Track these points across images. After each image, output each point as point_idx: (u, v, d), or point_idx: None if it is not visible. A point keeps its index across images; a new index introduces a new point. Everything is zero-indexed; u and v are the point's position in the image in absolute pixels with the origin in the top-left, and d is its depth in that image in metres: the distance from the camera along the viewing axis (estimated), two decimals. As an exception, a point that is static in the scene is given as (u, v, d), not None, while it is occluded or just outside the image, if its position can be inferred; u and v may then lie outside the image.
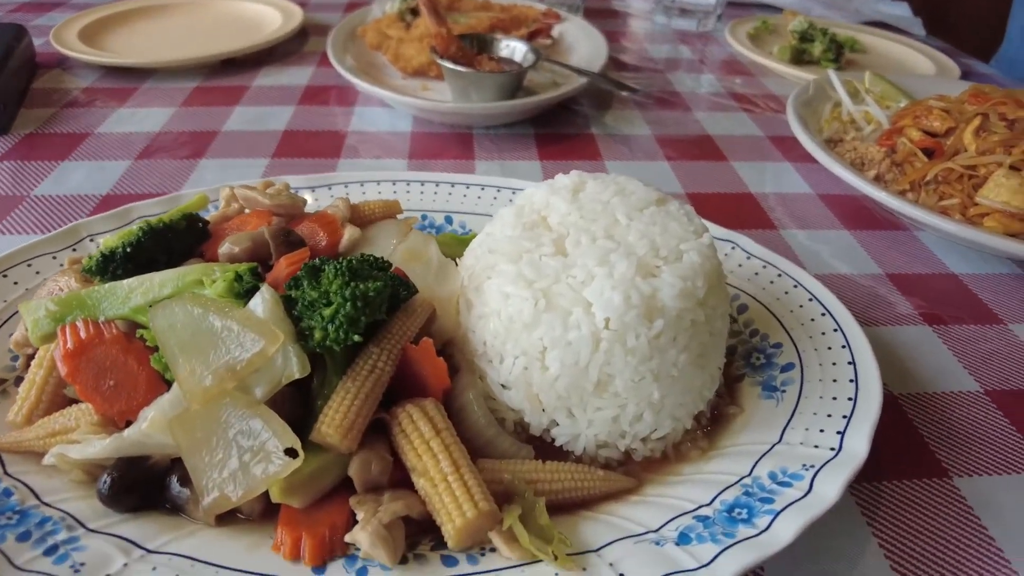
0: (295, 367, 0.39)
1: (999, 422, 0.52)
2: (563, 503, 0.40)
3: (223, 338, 0.38)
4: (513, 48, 0.92)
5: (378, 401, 0.40)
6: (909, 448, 0.49)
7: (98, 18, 1.13)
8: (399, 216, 0.55)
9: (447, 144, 0.85)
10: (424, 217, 0.64)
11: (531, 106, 0.86)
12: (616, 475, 0.42)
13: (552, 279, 0.41)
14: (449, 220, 0.64)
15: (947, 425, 0.51)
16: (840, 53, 1.11)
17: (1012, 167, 0.66)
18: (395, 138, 0.86)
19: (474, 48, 0.91)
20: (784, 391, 0.47)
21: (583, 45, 1.05)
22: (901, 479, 0.47)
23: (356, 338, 0.38)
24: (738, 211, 0.75)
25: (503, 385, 0.43)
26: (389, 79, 0.96)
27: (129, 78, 1.01)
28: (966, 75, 1.19)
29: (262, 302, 0.40)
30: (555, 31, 1.10)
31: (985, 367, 0.57)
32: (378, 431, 0.40)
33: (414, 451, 0.39)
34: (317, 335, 0.39)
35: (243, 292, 0.41)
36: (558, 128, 0.90)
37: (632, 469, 0.44)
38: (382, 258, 0.43)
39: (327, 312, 0.38)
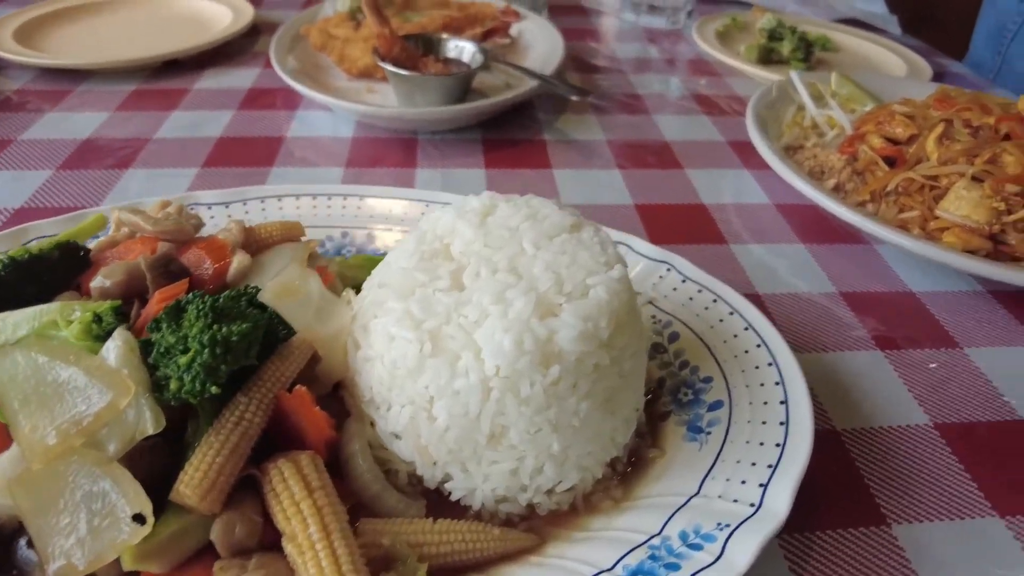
0: (149, 422, 0.35)
1: (946, 459, 0.48)
2: (454, 566, 0.37)
3: (69, 390, 0.35)
4: (461, 49, 0.88)
5: (245, 456, 0.36)
6: (848, 491, 0.46)
7: (37, 15, 1.08)
8: (303, 239, 0.51)
9: (389, 150, 0.81)
10: (345, 235, 0.60)
11: (477, 111, 0.82)
12: (515, 533, 0.38)
13: (443, 319, 0.38)
14: (373, 238, 0.60)
15: (891, 464, 0.48)
16: (810, 52, 1.07)
17: (974, 178, 0.62)
18: (335, 144, 0.82)
19: (420, 49, 0.87)
20: (710, 432, 0.44)
21: (541, 45, 1.01)
22: (835, 528, 0.43)
23: (214, 389, 0.34)
24: (689, 224, 0.71)
25: (393, 434, 0.39)
26: (334, 81, 0.92)
27: (65, 80, 0.96)
28: (939, 76, 1.15)
29: (114, 348, 0.36)
30: (513, 30, 1.05)
31: (936, 397, 0.53)
32: (250, 488, 0.37)
33: (283, 513, 0.35)
34: (172, 385, 0.35)
35: (103, 335, 0.37)
36: (508, 133, 0.86)
37: (536, 524, 0.40)
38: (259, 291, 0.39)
39: (183, 360, 0.34)
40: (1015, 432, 0.51)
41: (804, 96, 0.79)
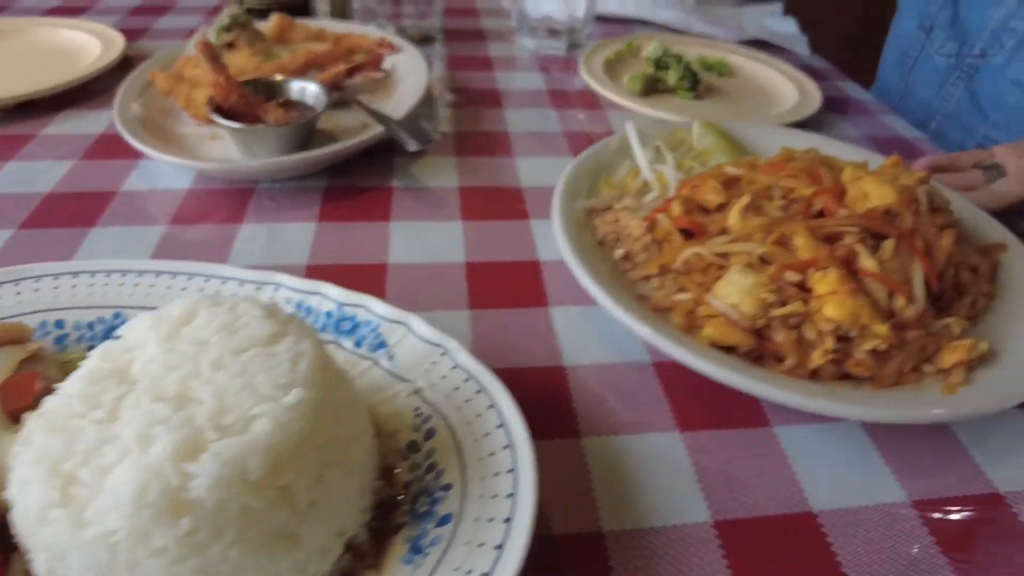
0: None
1: (717, 567, 0.45)
2: None
3: None
4: (304, 90, 0.84)
5: None
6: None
7: None
8: (28, 344, 0.47)
9: (220, 204, 0.77)
10: (117, 315, 0.55)
11: (314, 160, 0.78)
12: None
13: (81, 460, 0.34)
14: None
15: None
16: (696, 81, 1.03)
17: (762, 259, 0.56)
18: (167, 198, 0.78)
19: (262, 94, 0.83)
20: (427, 555, 0.40)
21: (412, 79, 0.97)
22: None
23: None
24: (516, 284, 0.67)
25: (40, 580, 0.35)
26: (181, 127, 0.88)
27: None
28: (840, 102, 1.12)
29: None
30: (387, 63, 1.01)
31: (725, 490, 0.50)
32: None
33: None
34: None
35: None
36: (356, 179, 0.82)
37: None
38: None
39: None
40: (794, 532, 0.47)
41: (637, 150, 0.74)
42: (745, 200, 0.61)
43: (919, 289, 0.56)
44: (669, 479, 0.50)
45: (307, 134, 0.81)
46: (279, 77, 0.85)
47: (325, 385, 0.40)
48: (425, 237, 0.73)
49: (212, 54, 0.78)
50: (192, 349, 0.38)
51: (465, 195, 0.81)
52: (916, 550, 0.47)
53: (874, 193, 0.61)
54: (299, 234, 0.72)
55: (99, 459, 0.34)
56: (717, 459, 0.52)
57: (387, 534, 0.42)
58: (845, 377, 0.54)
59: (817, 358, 0.52)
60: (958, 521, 0.49)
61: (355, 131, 0.85)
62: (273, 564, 0.36)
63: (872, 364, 0.53)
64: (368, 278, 0.66)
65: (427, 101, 0.99)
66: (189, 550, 0.33)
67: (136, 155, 0.86)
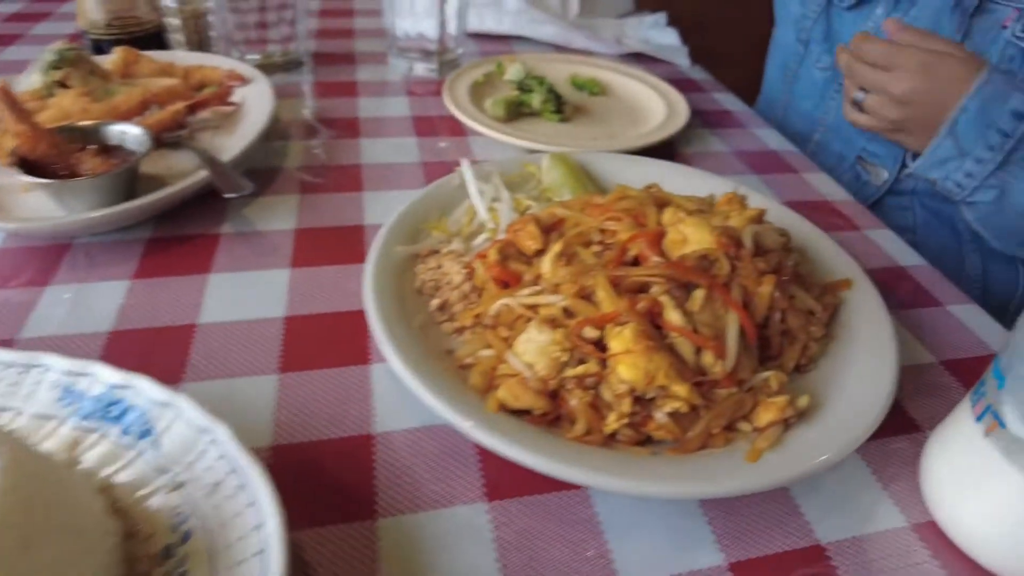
0: None
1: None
2: None
3: None
4: (124, 134, 0.78)
5: None
6: None
7: None
8: None
9: (29, 263, 0.71)
10: None
11: (128, 213, 0.72)
12: None
13: None
14: None
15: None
16: (561, 104, 1.01)
17: (567, 312, 0.54)
18: (-29, 258, 0.72)
19: (77, 140, 0.77)
20: None
21: (256, 113, 0.92)
22: None
23: None
24: (338, 340, 0.63)
25: None
26: (-3, 176, 0.81)
27: None
28: (710, 116, 1.11)
29: None
30: (237, 95, 0.96)
31: (527, 567, 0.47)
32: None
33: None
34: None
35: None
36: (184, 227, 0.77)
37: None
38: None
39: None
40: None
41: (471, 188, 0.72)
42: (558, 247, 0.59)
43: (732, 343, 0.54)
44: (466, 560, 0.47)
45: (129, 182, 0.75)
46: (93, 122, 0.79)
47: (24, 505, 0.35)
48: (245, 290, 0.68)
49: (11, 100, 0.72)
50: None
51: (301, 238, 0.76)
52: (709, 624, 0.45)
53: (692, 237, 0.59)
54: (109, 295, 0.67)
55: None
56: (522, 531, 0.49)
57: (117, 662, 0.38)
58: (647, 441, 0.52)
59: (612, 422, 0.50)
60: (763, 584, 0.47)
61: (188, 174, 0.80)
62: None
63: (674, 427, 0.51)
64: (171, 343, 0.62)
65: (275, 134, 0.95)
66: None
67: (-54, 208, 0.80)
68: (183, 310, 0.65)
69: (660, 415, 0.50)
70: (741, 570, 0.48)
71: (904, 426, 0.60)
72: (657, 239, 0.59)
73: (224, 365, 0.60)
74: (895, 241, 0.85)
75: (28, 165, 0.73)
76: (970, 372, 0.66)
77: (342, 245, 0.75)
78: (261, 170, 0.88)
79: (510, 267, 0.61)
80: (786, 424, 0.53)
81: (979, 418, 0.48)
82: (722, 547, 0.50)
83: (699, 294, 0.55)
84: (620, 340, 0.51)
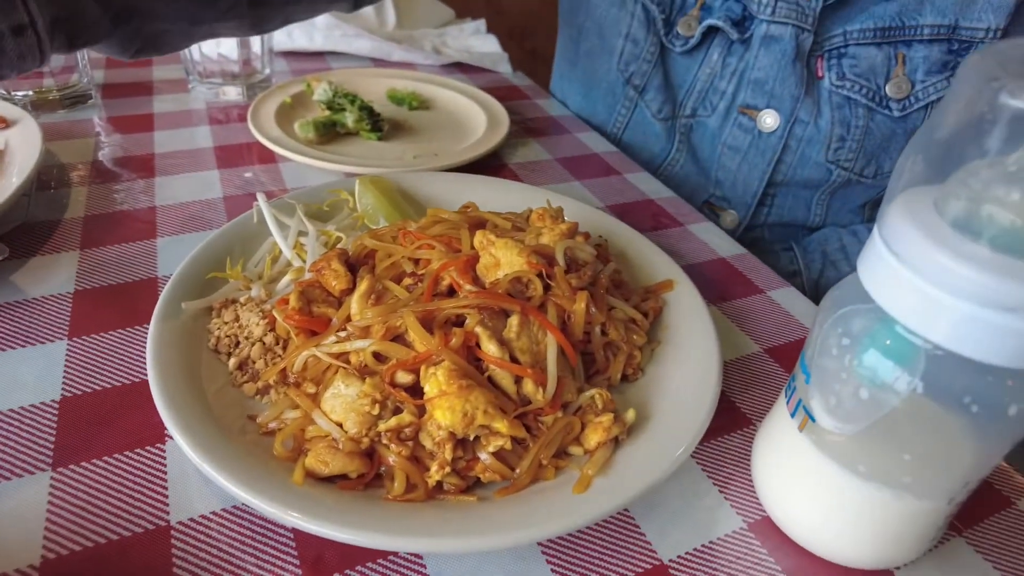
0: None
1: None
2: None
3: None
4: None
5: None
6: None
7: None
8: None
9: None
10: None
11: None
12: None
13: None
14: None
15: None
16: (377, 121, 0.96)
17: (377, 358, 0.49)
18: None
19: None
20: None
21: (20, 158, 0.80)
22: None
23: None
24: (122, 419, 0.55)
25: None
26: None
27: None
28: (534, 123, 1.10)
29: None
30: (0, 140, 0.84)
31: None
32: None
33: None
34: None
35: None
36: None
37: None
38: None
39: None
40: None
41: (270, 222, 0.65)
42: (364, 285, 0.54)
43: (552, 366, 0.51)
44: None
45: None
46: None
47: None
48: (7, 375, 0.58)
49: None
50: None
51: (81, 300, 0.66)
52: None
53: (504, 260, 0.56)
54: None
55: None
56: None
57: None
58: (479, 483, 0.48)
59: (435, 473, 0.46)
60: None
61: (-67, 239, 0.67)
62: None
63: (501, 466, 0.47)
64: (-95, 454, 0.51)
65: (56, 181, 0.83)
66: None
67: None
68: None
69: (484, 456, 0.47)
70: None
71: (736, 421, 0.60)
72: (470, 265, 0.56)
73: (-22, 470, 0.50)
74: (718, 234, 0.87)
75: None
76: (791, 357, 0.68)
77: (130, 304, 0.66)
78: (35, 225, 0.77)
79: (316, 312, 0.55)
80: (616, 442, 0.51)
81: (793, 414, 0.48)
82: (565, 583, 0.47)
83: (514, 320, 0.52)
84: (434, 382, 0.47)
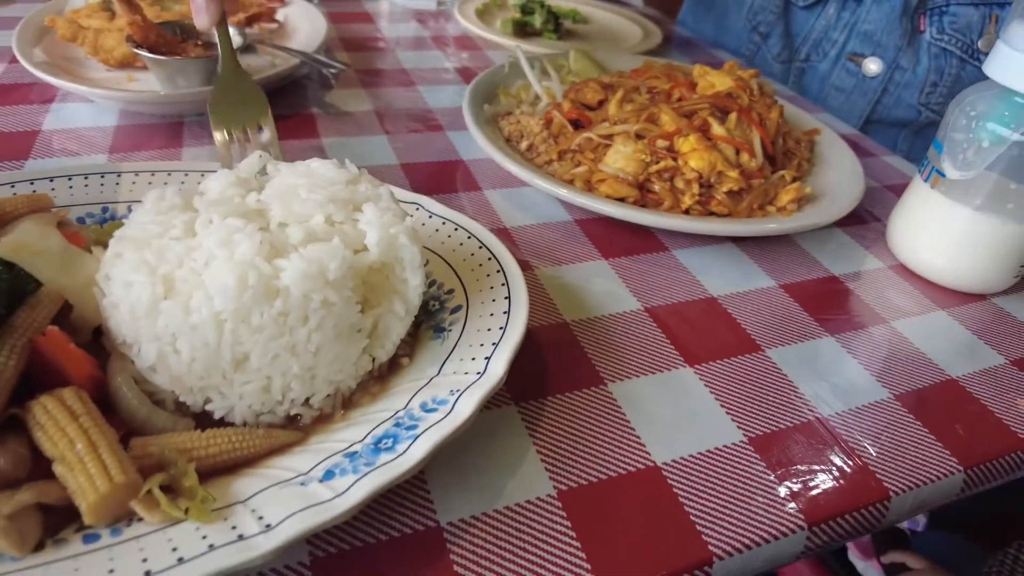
0: None
1: (652, 332, 0.60)
2: (224, 465, 0.42)
3: None
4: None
5: (4, 397, 0.38)
6: (572, 364, 0.56)
7: None
8: (53, 210, 0.53)
9: (154, 135, 0.82)
10: (105, 209, 0.61)
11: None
12: (280, 431, 0.44)
13: (175, 264, 0.42)
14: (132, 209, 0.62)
15: (609, 341, 0.59)
16: (559, 24, 1.20)
17: (638, 135, 0.73)
18: (98, 133, 0.81)
19: (178, 35, 0.88)
20: (450, 330, 0.52)
21: (306, 27, 1.05)
22: (563, 392, 0.54)
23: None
24: (447, 177, 0.80)
25: (150, 368, 0.43)
26: (90, 72, 0.90)
27: None
28: (669, 40, 1.34)
29: None
30: (280, 14, 1.08)
31: (645, 289, 0.66)
32: (15, 429, 0.39)
33: (50, 440, 0.38)
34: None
35: None
36: (277, 109, 0.89)
37: (302, 426, 0.46)
38: None
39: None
40: (703, 309, 0.64)
41: (526, 69, 0.90)
42: (620, 94, 0.78)
43: (758, 148, 0.75)
44: (603, 288, 0.65)
45: (228, 69, 0.87)
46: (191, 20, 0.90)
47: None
48: (357, 148, 0.83)
49: (125, -6, 0.82)
50: (269, 189, 0.47)
51: (382, 116, 0.91)
52: (788, 312, 0.65)
53: (718, 83, 0.80)
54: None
55: (190, 263, 0.42)
56: (637, 272, 0.68)
57: (411, 329, 0.53)
58: (711, 215, 0.72)
59: (687, 200, 0.70)
60: (808, 293, 0.69)
61: (265, 69, 0.92)
62: (350, 347, 0.46)
63: (729, 203, 0.71)
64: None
65: (324, 46, 1.08)
66: (280, 329, 0.42)
67: (45, 100, 0.88)
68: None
69: (719, 194, 0.71)
70: (787, 288, 0.69)
71: (871, 217, 0.83)
72: (692, 86, 0.80)
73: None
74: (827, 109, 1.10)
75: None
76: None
77: (420, 121, 0.91)
78: (315, 72, 1.01)
79: (583, 112, 0.79)
80: (798, 203, 0.75)
81: (927, 179, 0.72)
82: (771, 276, 0.70)
83: (732, 116, 0.76)
84: (688, 143, 0.71)
